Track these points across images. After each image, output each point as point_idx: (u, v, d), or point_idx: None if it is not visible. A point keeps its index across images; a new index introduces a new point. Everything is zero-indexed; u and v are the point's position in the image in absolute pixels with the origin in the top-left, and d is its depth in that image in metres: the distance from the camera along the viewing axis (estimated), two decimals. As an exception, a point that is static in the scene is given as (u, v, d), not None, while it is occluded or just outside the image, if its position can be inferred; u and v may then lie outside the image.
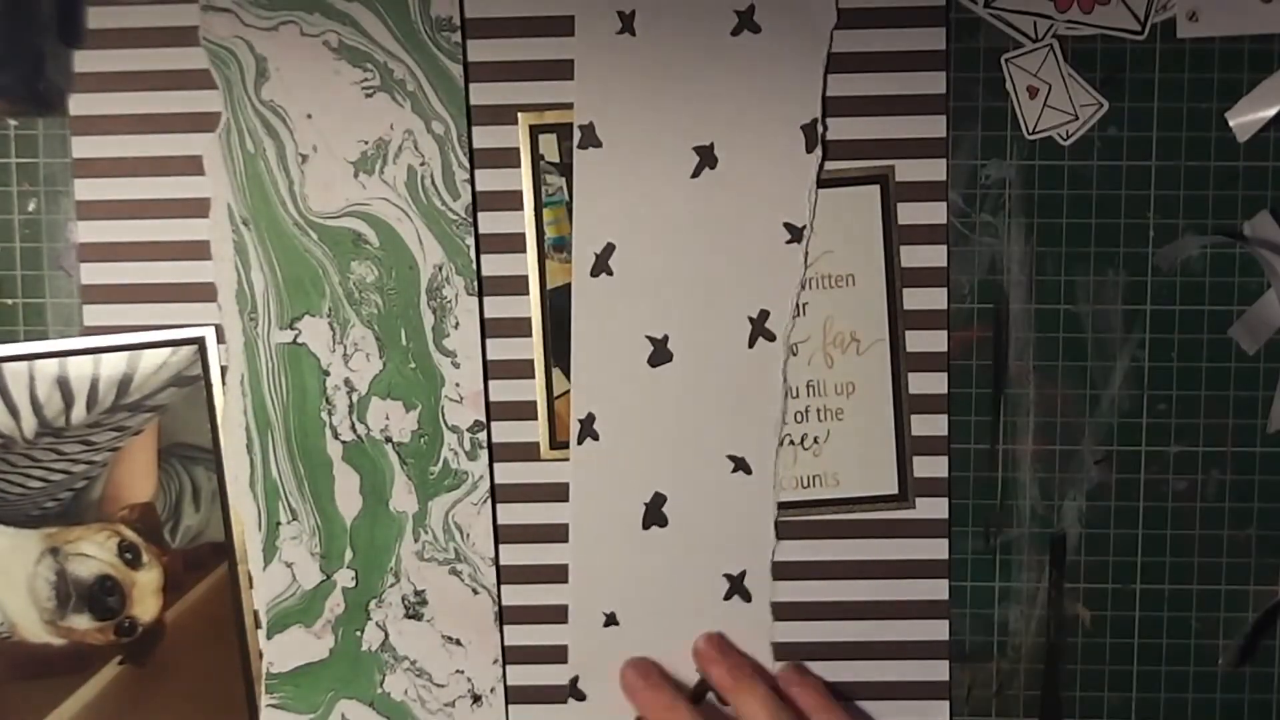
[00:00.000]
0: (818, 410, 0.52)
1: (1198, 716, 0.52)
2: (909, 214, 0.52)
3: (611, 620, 0.52)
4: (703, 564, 0.52)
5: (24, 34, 0.50)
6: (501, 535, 0.53)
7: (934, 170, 0.52)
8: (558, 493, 0.53)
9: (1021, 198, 0.52)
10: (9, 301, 0.53)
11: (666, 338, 0.51)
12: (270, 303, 0.52)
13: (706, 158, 0.50)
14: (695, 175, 0.50)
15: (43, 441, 0.52)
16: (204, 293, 0.52)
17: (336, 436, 0.52)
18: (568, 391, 0.52)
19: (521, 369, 0.52)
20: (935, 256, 0.52)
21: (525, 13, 0.51)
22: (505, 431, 0.53)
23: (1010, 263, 0.52)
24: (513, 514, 0.53)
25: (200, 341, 0.52)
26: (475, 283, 0.52)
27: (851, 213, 0.51)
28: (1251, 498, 0.52)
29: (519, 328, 0.52)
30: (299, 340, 0.52)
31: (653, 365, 0.51)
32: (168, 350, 0.52)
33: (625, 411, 0.51)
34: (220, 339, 0.52)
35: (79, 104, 0.52)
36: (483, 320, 0.52)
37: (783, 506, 0.52)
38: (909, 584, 0.53)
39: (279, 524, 0.52)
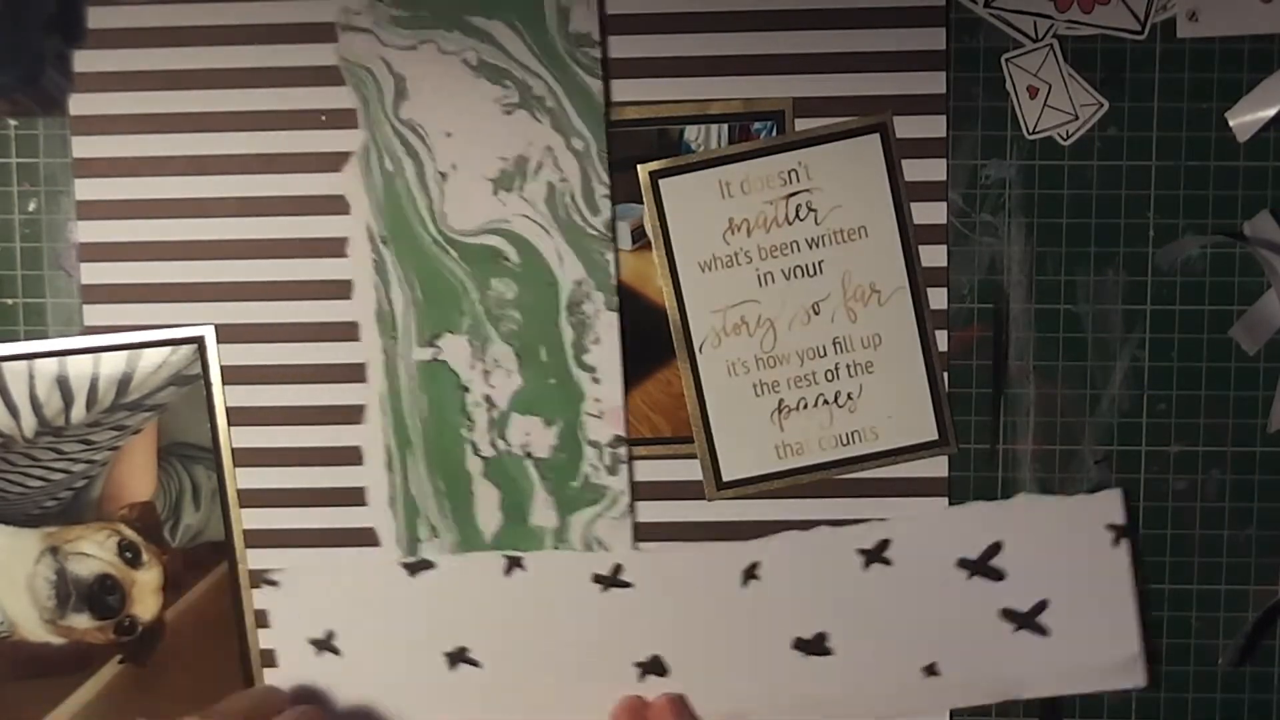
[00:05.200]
0: (847, 366, 0.52)
1: (1198, 716, 0.52)
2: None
3: None
4: None
5: (24, 34, 0.50)
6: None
7: (934, 170, 0.52)
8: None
9: (1021, 198, 0.52)
10: (9, 301, 0.53)
11: None
12: (410, 321, 0.52)
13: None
14: None
15: (42, 441, 0.52)
16: (204, 292, 0.52)
17: (476, 453, 0.52)
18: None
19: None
20: (935, 256, 0.52)
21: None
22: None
23: (1010, 263, 0.52)
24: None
25: (200, 341, 0.52)
26: (615, 298, 0.52)
27: (855, 165, 0.51)
28: (1251, 498, 0.52)
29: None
30: (439, 357, 0.52)
31: None
32: (167, 349, 0.52)
33: None
34: (219, 339, 0.52)
35: (79, 104, 0.52)
36: (624, 335, 0.52)
37: (824, 466, 0.52)
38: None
39: (419, 541, 0.52)
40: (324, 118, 0.52)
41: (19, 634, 0.53)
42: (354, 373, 0.52)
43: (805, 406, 0.52)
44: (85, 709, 0.53)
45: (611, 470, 0.52)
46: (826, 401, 0.52)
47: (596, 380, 0.52)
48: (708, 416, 0.52)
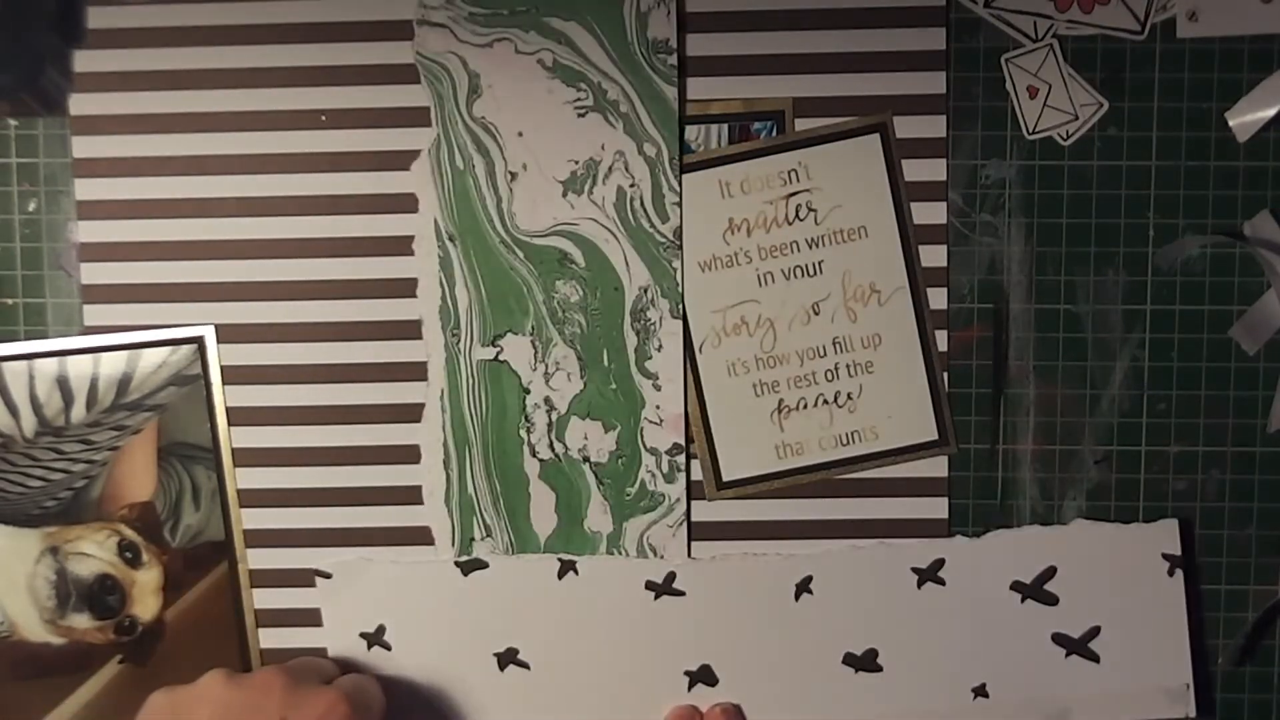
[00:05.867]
0: (847, 366, 0.52)
1: (1198, 716, 0.52)
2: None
3: None
4: None
5: (24, 33, 0.50)
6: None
7: (934, 170, 0.52)
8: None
9: (1021, 198, 0.52)
10: (9, 301, 0.53)
11: None
12: (473, 319, 0.52)
13: None
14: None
15: (42, 441, 0.52)
16: (204, 292, 0.52)
17: (534, 454, 0.52)
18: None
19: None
20: (935, 256, 0.52)
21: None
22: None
23: (1010, 263, 0.52)
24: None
25: (200, 341, 0.52)
26: (680, 306, 0.52)
27: (855, 165, 0.51)
28: (1251, 498, 0.52)
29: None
30: (500, 358, 0.52)
31: None
32: (167, 349, 0.52)
33: None
34: (219, 339, 0.52)
35: (79, 104, 0.52)
36: (688, 343, 0.52)
37: (824, 466, 0.52)
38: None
39: (472, 540, 0.52)
40: (324, 118, 0.52)
41: (19, 634, 0.53)
42: (414, 371, 0.52)
43: (805, 406, 0.52)
44: (85, 709, 0.53)
45: (669, 478, 0.52)
46: (826, 401, 0.52)
47: (658, 387, 0.52)
48: (708, 416, 0.52)
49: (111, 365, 0.52)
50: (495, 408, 0.52)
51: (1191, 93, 0.51)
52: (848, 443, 0.52)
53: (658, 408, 0.52)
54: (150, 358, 0.52)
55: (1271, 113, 0.51)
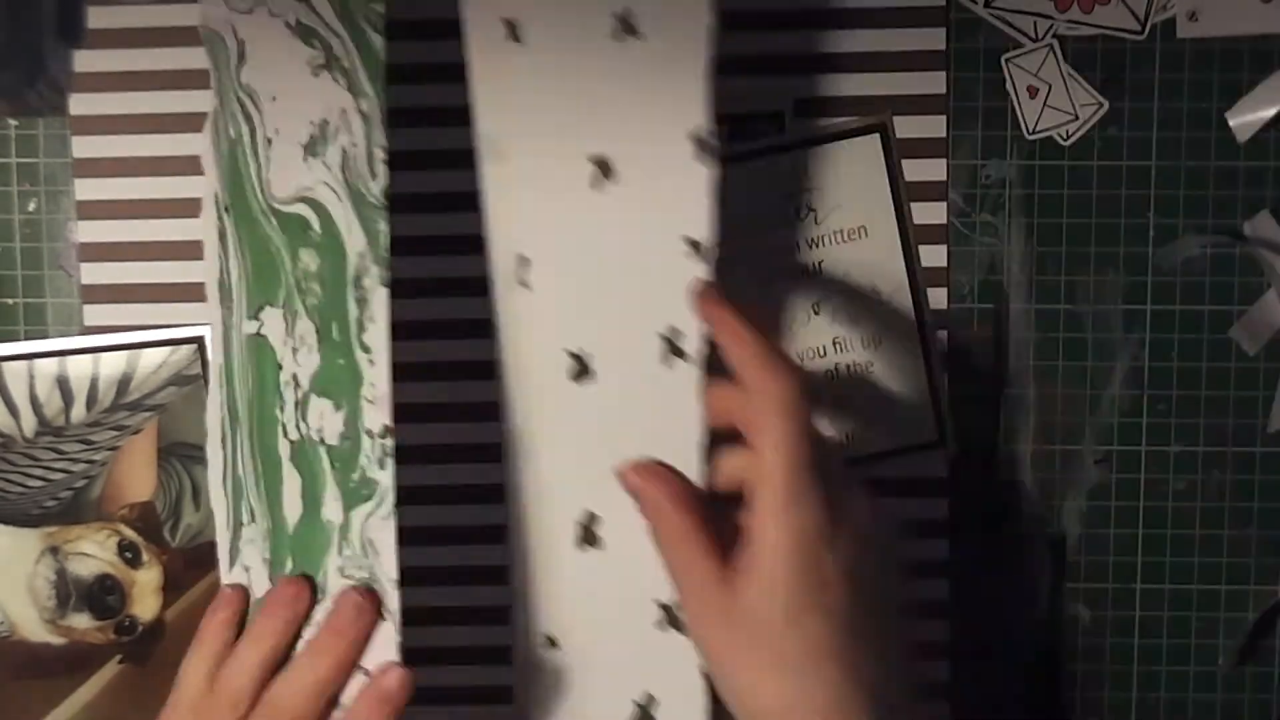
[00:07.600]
0: (847, 366, 0.52)
1: (1198, 716, 0.52)
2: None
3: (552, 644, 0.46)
4: (637, 590, 0.45)
5: (24, 33, 0.50)
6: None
7: (934, 170, 0.52)
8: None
9: (1021, 198, 0.52)
10: (9, 301, 0.53)
11: (586, 353, 0.45)
12: (242, 292, 0.47)
13: (603, 169, 0.45)
14: (594, 187, 0.45)
15: (42, 440, 0.52)
16: (203, 293, 0.52)
17: (286, 435, 0.47)
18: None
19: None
20: (935, 256, 0.52)
21: None
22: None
23: (1010, 263, 0.52)
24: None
25: (200, 341, 0.52)
26: (387, 273, 0.45)
27: (855, 165, 0.51)
28: (1251, 498, 0.52)
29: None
30: (261, 331, 0.47)
31: (575, 380, 0.46)
32: (167, 349, 0.52)
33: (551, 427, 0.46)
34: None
35: (79, 104, 0.52)
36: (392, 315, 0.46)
37: None
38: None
39: (241, 524, 0.47)
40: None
41: (19, 634, 0.53)
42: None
43: (805, 406, 0.52)
44: (85, 709, 0.53)
45: (380, 464, 0.45)
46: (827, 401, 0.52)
47: (372, 362, 0.45)
48: (708, 416, 0.52)
49: (111, 365, 0.52)
50: (257, 385, 0.47)
51: (1191, 93, 0.51)
52: (848, 443, 0.52)
53: (372, 385, 0.45)
54: (150, 358, 0.52)
55: (1271, 113, 0.51)
